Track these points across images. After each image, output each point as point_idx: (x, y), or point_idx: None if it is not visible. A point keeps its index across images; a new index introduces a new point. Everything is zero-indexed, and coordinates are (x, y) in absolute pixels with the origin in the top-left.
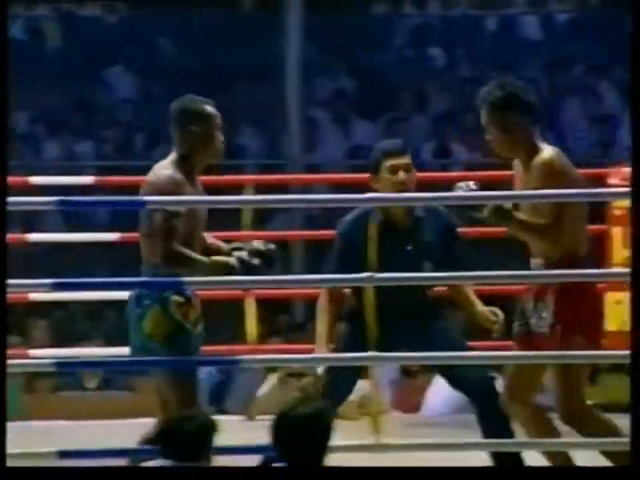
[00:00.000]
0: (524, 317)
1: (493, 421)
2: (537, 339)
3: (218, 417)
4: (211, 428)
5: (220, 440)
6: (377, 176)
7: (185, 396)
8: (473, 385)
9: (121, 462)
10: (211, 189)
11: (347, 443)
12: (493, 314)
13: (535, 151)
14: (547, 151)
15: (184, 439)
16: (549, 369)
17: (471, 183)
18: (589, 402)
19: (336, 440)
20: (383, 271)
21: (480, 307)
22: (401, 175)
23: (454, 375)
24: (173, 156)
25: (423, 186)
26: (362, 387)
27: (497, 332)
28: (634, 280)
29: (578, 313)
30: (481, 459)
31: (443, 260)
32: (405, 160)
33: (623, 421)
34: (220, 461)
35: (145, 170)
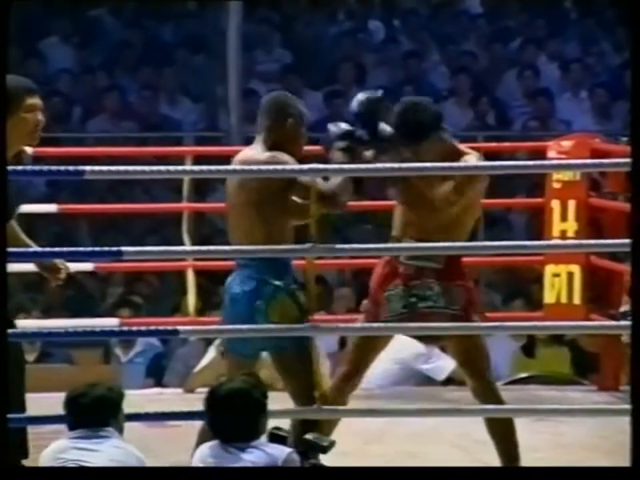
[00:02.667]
0: (406, 300)
1: None
2: (434, 319)
3: (157, 390)
4: (118, 397)
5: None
6: (12, 114)
7: (308, 364)
8: None
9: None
10: (149, 161)
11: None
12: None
13: None
14: None
15: (88, 407)
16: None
17: (342, 124)
18: (526, 374)
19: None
20: None
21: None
22: (39, 115)
23: None
24: (262, 144)
25: None
26: None
27: (58, 281)
28: (634, 275)
29: (476, 294)
30: (413, 428)
31: None
32: (40, 100)
33: (563, 393)
34: (158, 431)
35: (81, 141)
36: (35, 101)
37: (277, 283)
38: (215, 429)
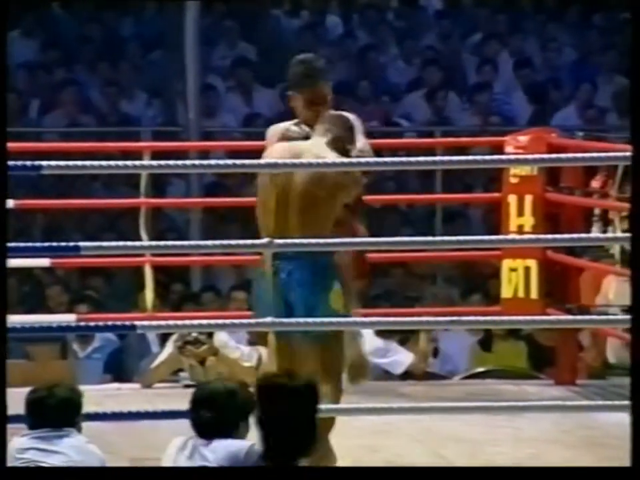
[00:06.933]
0: None
1: None
2: None
3: (115, 385)
4: (78, 397)
5: (116, 407)
6: None
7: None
8: None
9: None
10: (107, 156)
11: None
12: None
13: None
14: None
15: (54, 408)
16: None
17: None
18: (483, 368)
19: None
20: None
21: None
22: None
23: None
24: None
25: None
26: (264, 354)
27: None
28: (634, 286)
29: None
30: (371, 422)
31: None
32: None
33: (520, 387)
34: (115, 426)
35: (38, 136)
36: None
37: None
38: (195, 422)
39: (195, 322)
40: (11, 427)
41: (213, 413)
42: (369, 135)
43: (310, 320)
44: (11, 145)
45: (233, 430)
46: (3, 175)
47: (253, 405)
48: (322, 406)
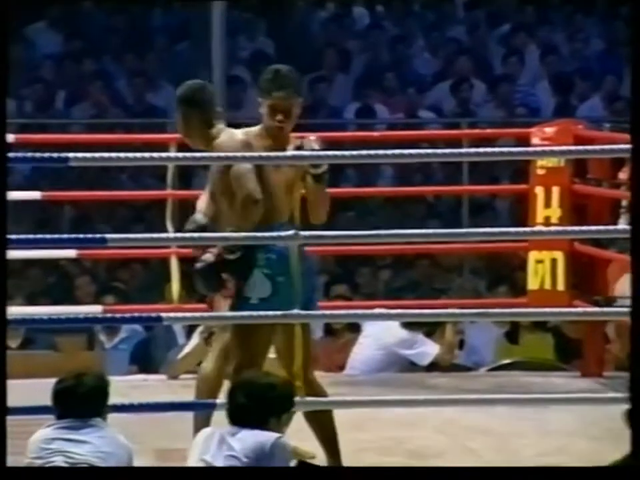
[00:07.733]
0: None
1: None
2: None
3: (141, 376)
4: (106, 386)
5: (142, 398)
6: None
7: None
8: None
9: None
10: (133, 148)
11: None
12: None
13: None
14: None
15: (83, 397)
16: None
17: (313, 140)
18: (510, 360)
19: None
20: None
21: None
22: None
23: None
24: None
25: (346, 145)
26: None
27: None
28: (634, 271)
29: None
30: (397, 414)
31: None
32: None
33: (547, 379)
34: (141, 417)
35: (66, 127)
36: None
37: None
38: (229, 405)
39: (222, 314)
40: (37, 418)
41: (248, 400)
42: (395, 126)
43: (333, 312)
44: (38, 136)
45: (263, 422)
46: (3, 167)
47: (290, 403)
48: (347, 398)
